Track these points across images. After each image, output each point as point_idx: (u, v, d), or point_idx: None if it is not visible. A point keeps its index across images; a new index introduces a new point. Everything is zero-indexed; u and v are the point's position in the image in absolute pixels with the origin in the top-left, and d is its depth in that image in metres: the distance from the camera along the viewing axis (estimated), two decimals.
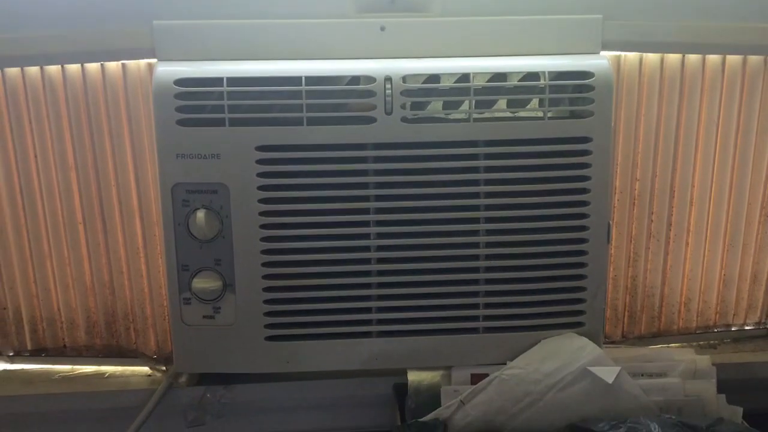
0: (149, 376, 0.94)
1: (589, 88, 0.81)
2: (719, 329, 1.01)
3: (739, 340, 1.01)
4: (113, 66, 0.85)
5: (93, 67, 0.85)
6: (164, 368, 0.94)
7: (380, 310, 0.84)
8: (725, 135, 0.93)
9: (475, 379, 0.83)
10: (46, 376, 0.93)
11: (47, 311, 0.93)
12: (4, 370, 0.94)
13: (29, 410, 0.90)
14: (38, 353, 0.95)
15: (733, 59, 0.91)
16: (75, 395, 0.90)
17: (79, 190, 0.89)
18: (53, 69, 0.85)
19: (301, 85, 0.78)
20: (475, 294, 0.84)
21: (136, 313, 0.94)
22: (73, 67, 0.85)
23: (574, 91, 0.82)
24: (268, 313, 0.83)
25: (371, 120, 0.79)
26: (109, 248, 0.91)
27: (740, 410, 0.83)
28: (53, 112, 0.87)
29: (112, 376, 0.94)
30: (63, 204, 0.89)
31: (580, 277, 0.85)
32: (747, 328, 1.02)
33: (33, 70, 0.85)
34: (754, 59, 0.91)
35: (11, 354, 0.95)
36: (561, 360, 0.82)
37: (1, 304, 0.93)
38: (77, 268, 0.92)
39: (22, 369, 0.95)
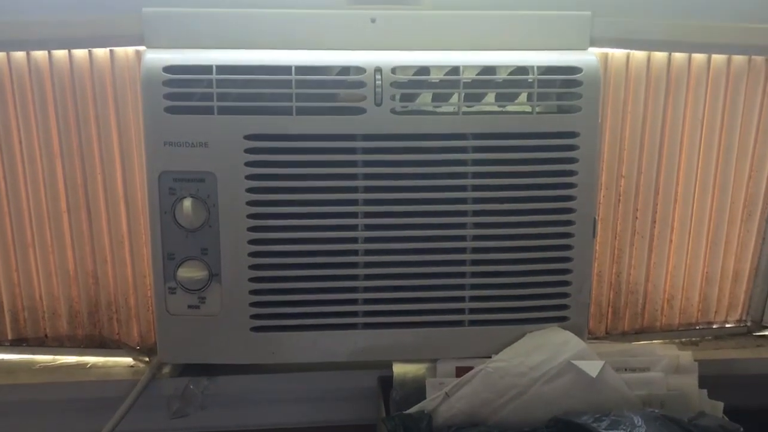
0: (132, 366, 0.92)
1: (577, 83, 0.81)
2: (701, 326, 1.02)
3: (720, 338, 1.02)
4: (101, 52, 0.85)
5: (80, 53, 0.84)
6: (147, 359, 0.92)
7: (366, 302, 0.84)
8: (710, 133, 0.94)
9: (460, 371, 0.83)
10: (26, 366, 0.92)
11: (29, 300, 0.92)
12: None
13: (9, 400, 0.89)
14: (19, 343, 0.93)
15: (718, 59, 0.91)
16: (56, 386, 0.89)
17: (64, 178, 0.88)
18: (40, 55, 0.84)
19: (291, 75, 0.78)
20: (461, 287, 0.84)
21: (119, 303, 0.93)
22: (60, 53, 0.84)
23: (562, 87, 0.82)
24: (254, 304, 0.82)
25: (361, 111, 0.79)
26: (94, 237, 0.90)
27: (721, 405, 0.84)
28: (39, 98, 0.86)
29: (94, 366, 0.92)
30: (47, 191, 0.88)
31: (566, 271, 0.85)
32: (728, 325, 1.03)
33: (19, 56, 0.84)
34: (739, 59, 0.92)
35: None
36: (546, 353, 0.82)
37: None
38: (60, 256, 0.90)
39: (2, 359, 0.93)
